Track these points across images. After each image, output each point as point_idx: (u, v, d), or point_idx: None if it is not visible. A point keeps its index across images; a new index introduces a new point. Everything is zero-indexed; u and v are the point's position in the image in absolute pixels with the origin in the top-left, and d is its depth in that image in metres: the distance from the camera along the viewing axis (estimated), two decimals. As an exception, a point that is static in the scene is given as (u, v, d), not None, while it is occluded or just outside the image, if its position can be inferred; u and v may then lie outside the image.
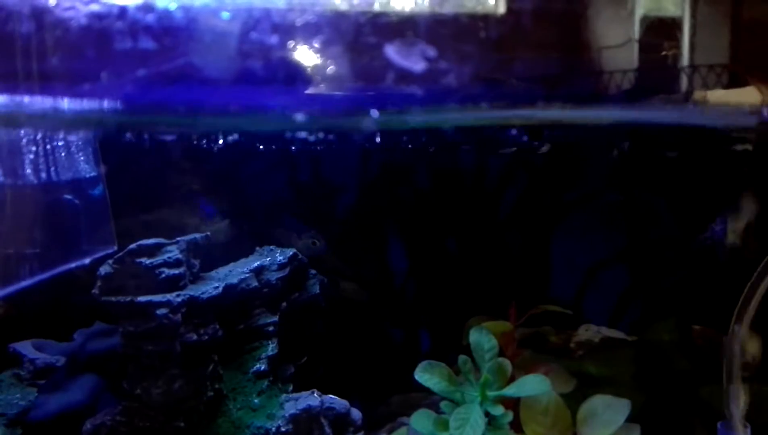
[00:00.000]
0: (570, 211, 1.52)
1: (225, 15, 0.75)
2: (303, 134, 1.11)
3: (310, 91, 0.86)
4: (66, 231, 1.12)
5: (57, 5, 0.72)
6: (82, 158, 1.13)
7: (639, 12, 1.06)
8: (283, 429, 1.00)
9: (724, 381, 0.95)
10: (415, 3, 0.86)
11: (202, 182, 1.35)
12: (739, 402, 0.95)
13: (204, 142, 1.22)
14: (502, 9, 0.94)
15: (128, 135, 1.06)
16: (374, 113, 0.89)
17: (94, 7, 0.71)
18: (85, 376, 1.15)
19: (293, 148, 1.33)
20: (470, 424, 0.88)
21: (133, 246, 1.02)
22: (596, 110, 1.08)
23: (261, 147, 1.32)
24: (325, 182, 1.51)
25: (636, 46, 1.05)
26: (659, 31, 1.06)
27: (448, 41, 0.87)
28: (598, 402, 0.98)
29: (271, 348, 1.11)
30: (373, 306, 1.49)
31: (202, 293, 1.03)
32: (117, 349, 1.04)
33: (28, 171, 1.02)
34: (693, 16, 1.05)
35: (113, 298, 0.99)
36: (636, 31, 1.05)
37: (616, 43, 1.05)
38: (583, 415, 0.97)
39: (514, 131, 1.24)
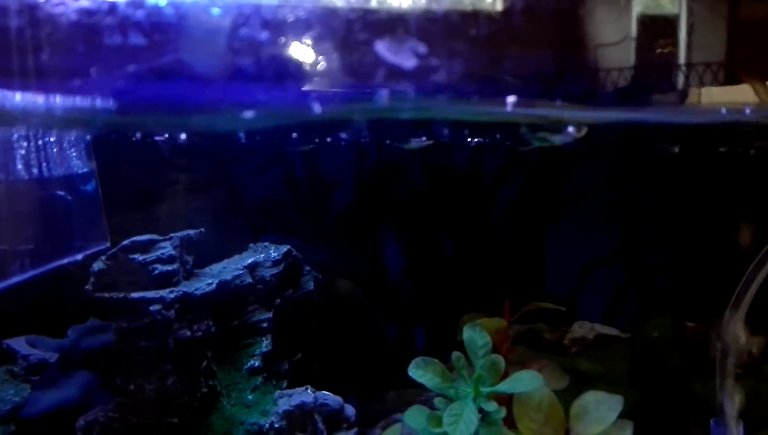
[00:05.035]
0: (564, 208, 1.52)
1: (215, 11, 0.75)
2: (295, 131, 1.11)
3: (304, 87, 0.86)
4: (58, 227, 1.12)
5: (47, 1, 0.72)
6: (74, 154, 1.13)
7: (636, 10, 1.06)
8: (276, 425, 1.00)
9: (717, 377, 0.96)
10: (413, 0, 0.85)
11: (194, 179, 1.34)
12: (732, 398, 0.95)
13: (196, 138, 1.21)
14: (499, 6, 0.94)
15: (120, 131, 1.05)
16: (369, 108, 0.88)
17: (84, 3, 0.70)
18: (79, 373, 1.15)
19: (285, 144, 1.33)
20: (463, 420, 0.88)
21: (126, 242, 1.02)
22: (592, 109, 1.08)
23: (253, 144, 1.32)
24: (319, 179, 1.50)
25: (633, 44, 1.05)
26: (656, 29, 1.06)
27: (445, 38, 0.87)
28: (591, 398, 0.98)
29: (265, 344, 1.11)
30: (368, 302, 1.49)
31: (196, 290, 1.03)
32: (110, 346, 1.04)
33: (20, 167, 1.01)
34: (690, 14, 1.05)
35: (106, 295, 0.99)
36: (633, 29, 1.05)
37: (613, 41, 1.05)
38: (576, 411, 0.97)
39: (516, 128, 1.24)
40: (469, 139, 1.40)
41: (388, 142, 1.34)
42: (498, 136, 1.31)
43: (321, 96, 0.85)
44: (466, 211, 1.55)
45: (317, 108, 0.83)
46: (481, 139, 1.39)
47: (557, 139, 1.02)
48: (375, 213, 1.53)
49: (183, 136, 1.10)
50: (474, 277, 1.50)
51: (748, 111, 0.99)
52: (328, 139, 1.26)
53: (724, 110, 1.01)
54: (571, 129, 0.98)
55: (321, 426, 1.03)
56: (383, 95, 0.82)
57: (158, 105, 0.81)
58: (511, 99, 0.86)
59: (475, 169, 1.53)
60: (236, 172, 1.44)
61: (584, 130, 0.99)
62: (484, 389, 0.92)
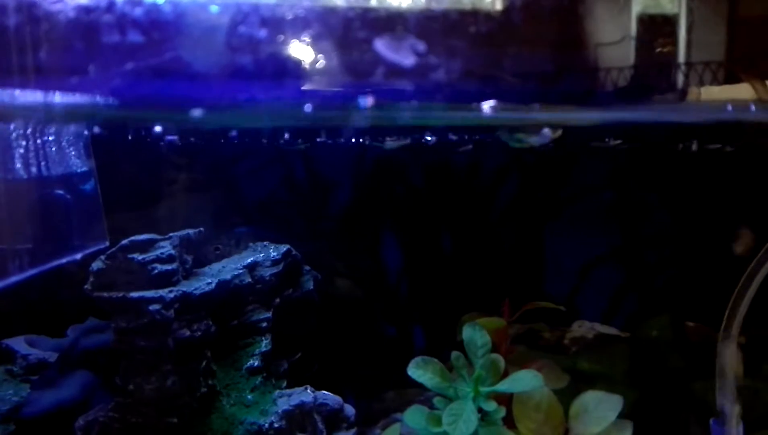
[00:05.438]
0: (563, 208, 1.52)
1: (214, 9, 0.75)
2: (293, 130, 1.11)
3: (303, 86, 0.86)
4: (57, 226, 1.11)
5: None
6: (73, 153, 1.13)
7: (636, 9, 1.06)
8: (276, 425, 1.00)
9: (717, 378, 0.95)
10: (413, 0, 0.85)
11: (194, 177, 1.34)
12: (731, 399, 0.95)
13: (195, 137, 1.21)
14: (498, 5, 0.94)
15: (120, 129, 1.05)
16: (367, 109, 0.88)
17: (82, 0, 0.71)
18: (78, 372, 1.15)
19: (284, 143, 1.33)
20: (463, 420, 0.88)
21: (125, 242, 1.01)
22: (592, 108, 1.08)
23: (252, 143, 1.32)
24: (318, 178, 1.50)
25: (632, 43, 1.05)
26: (656, 28, 1.06)
27: (444, 37, 0.87)
28: (591, 398, 0.98)
29: (265, 344, 1.11)
30: (368, 302, 1.49)
31: (195, 289, 1.02)
32: (109, 345, 1.04)
33: (19, 165, 1.01)
34: (689, 13, 1.05)
35: (105, 294, 0.99)
36: (633, 28, 1.05)
37: (613, 40, 1.05)
38: (576, 411, 0.97)
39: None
40: (466, 140, 1.40)
41: (383, 142, 1.34)
42: (492, 136, 1.31)
43: (319, 95, 0.85)
44: (466, 210, 1.55)
45: (315, 107, 0.83)
46: (479, 139, 1.39)
47: (534, 140, 1.02)
48: (374, 213, 1.53)
49: (182, 134, 1.10)
50: (473, 277, 1.50)
51: (752, 108, 0.99)
52: (325, 139, 1.26)
53: (729, 107, 1.00)
54: (546, 130, 0.98)
55: (321, 426, 1.03)
56: (372, 101, 0.82)
57: (157, 102, 0.81)
58: (491, 103, 0.86)
59: (475, 168, 1.53)
60: (235, 171, 1.44)
61: (559, 132, 1.00)
62: (484, 389, 0.92)
